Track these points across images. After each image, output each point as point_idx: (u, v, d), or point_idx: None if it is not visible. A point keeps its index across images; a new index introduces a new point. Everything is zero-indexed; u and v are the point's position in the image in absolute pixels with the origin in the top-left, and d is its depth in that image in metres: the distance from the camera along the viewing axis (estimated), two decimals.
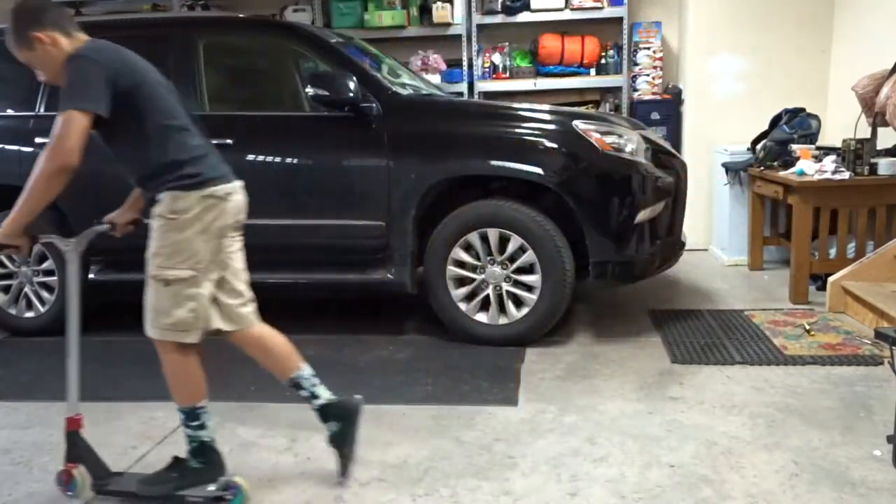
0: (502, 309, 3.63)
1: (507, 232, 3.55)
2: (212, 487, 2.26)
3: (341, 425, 2.37)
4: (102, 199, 3.83)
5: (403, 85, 4.03)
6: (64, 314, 4.15)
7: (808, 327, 3.74)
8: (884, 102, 4.03)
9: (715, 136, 5.61)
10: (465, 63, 5.94)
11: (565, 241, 3.52)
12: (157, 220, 2.17)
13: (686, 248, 4.19)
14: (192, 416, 2.25)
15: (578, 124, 3.55)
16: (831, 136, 5.15)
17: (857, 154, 4.17)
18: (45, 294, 4.05)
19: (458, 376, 3.28)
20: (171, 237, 2.14)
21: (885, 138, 4.38)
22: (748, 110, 5.48)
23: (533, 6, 5.77)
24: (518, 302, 3.61)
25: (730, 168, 5.17)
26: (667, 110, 5.78)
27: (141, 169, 2.21)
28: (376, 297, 4.53)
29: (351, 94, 3.51)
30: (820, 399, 2.93)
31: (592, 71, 5.91)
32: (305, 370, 2.39)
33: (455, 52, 6.00)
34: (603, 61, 5.90)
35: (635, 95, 5.91)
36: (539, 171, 3.49)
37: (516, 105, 3.83)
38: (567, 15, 5.78)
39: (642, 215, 3.55)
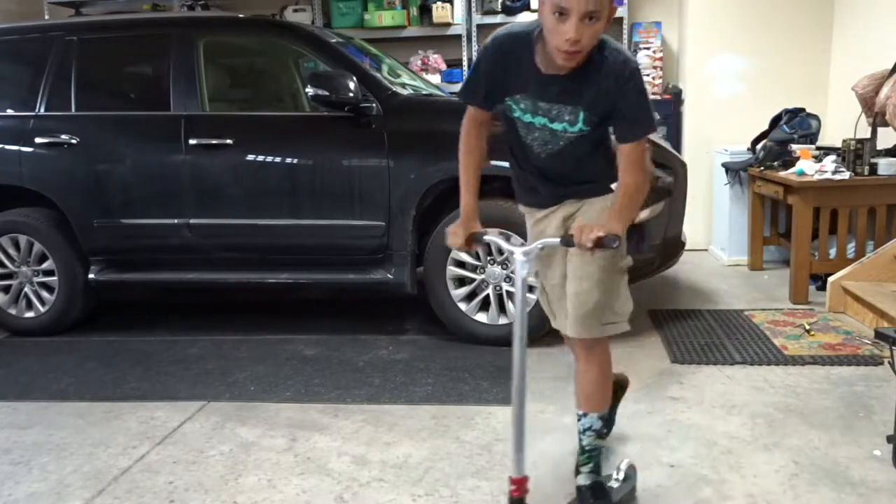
0: (502, 309, 3.63)
1: (507, 232, 3.54)
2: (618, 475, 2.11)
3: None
4: (102, 199, 3.90)
5: (403, 85, 4.03)
6: (64, 315, 4.16)
7: (808, 327, 3.74)
8: (884, 102, 4.03)
9: (715, 136, 5.61)
10: (465, 63, 5.93)
11: None
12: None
13: (686, 248, 4.19)
14: (600, 421, 2.06)
15: None
16: (831, 136, 5.14)
17: (857, 154, 4.17)
18: (45, 294, 4.04)
19: (458, 376, 3.28)
20: None
21: (885, 138, 4.38)
22: (748, 110, 5.49)
23: (533, 6, 5.76)
24: None
25: (730, 168, 5.17)
26: (667, 110, 5.77)
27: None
28: (376, 297, 4.54)
29: (351, 94, 3.51)
30: (820, 399, 2.93)
31: None
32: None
33: (455, 52, 6.00)
34: None
35: None
36: None
37: None
38: None
39: (642, 215, 3.54)
